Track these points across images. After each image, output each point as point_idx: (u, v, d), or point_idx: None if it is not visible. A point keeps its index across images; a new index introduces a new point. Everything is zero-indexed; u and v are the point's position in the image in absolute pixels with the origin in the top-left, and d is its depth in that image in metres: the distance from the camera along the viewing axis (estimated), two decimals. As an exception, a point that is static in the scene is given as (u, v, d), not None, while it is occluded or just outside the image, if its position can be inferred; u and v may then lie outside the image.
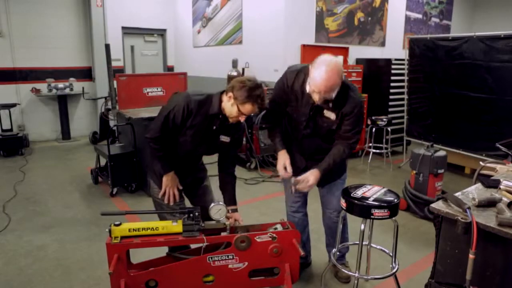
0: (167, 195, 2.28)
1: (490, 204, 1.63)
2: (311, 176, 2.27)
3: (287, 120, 2.48)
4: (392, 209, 2.10)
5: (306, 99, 2.28)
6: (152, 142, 2.21)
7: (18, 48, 6.80)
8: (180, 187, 2.33)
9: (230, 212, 2.27)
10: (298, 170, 2.43)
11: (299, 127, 2.39)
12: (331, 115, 2.28)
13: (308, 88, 2.18)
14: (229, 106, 2.10)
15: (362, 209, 2.11)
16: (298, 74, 2.31)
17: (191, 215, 2.04)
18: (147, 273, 2.02)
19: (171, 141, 2.23)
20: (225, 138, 2.27)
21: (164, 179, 2.27)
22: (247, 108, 2.07)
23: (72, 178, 5.10)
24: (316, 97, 2.14)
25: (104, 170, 4.76)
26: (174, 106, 2.13)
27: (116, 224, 1.99)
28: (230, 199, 2.39)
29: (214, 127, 2.20)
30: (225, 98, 2.13)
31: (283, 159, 2.41)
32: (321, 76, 2.05)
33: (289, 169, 2.37)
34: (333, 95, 2.14)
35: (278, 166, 2.43)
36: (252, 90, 2.04)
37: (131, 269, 2.06)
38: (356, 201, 2.13)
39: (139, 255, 2.36)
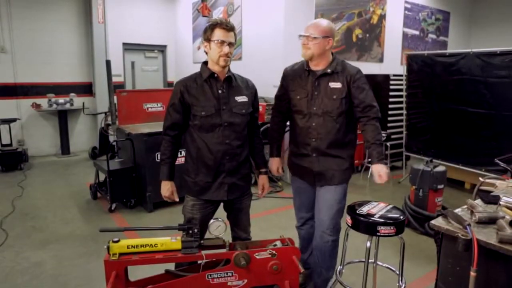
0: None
1: (490, 220, 1.62)
2: (379, 169, 2.23)
3: (294, 113, 2.42)
4: (398, 226, 2.09)
5: (306, 77, 2.34)
6: (165, 134, 2.30)
7: (20, 63, 6.86)
8: (177, 199, 2.33)
9: (261, 173, 2.48)
10: (309, 173, 2.42)
11: (307, 105, 2.32)
12: (337, 84, 2.29)
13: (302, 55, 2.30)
14: (210, 51, 2.15)
15: (367, 226, 2.10)
16: (294, 64, 2.46)
17: (190, 231, 2.03)
18: (145, 291, 1.99)
19: (194, 129, 2.24)
20: (241, 98, 2.25)
21: (162, 186, 2.29)
22: (219, 34, 2.10)
23: (71, 193, 5.08)
24: (304, 41, 2.24)
25: (103, 185, 4.74)
26: (172, 95, 2.26)
27: (114, 240, 1.97)
28: (261, 162, 2.50)
29: (220, 91, 2.19)
30: (207, 55, 2.19)
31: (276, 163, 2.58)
32: (310, 21, 2.33)
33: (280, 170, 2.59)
34: (317, 33, 2.21)
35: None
36: (212, 22, 2.14)
37: (129, 287, 2.03)
38: (361, 218, 2.12)
39: (137, 273, 2.33)
